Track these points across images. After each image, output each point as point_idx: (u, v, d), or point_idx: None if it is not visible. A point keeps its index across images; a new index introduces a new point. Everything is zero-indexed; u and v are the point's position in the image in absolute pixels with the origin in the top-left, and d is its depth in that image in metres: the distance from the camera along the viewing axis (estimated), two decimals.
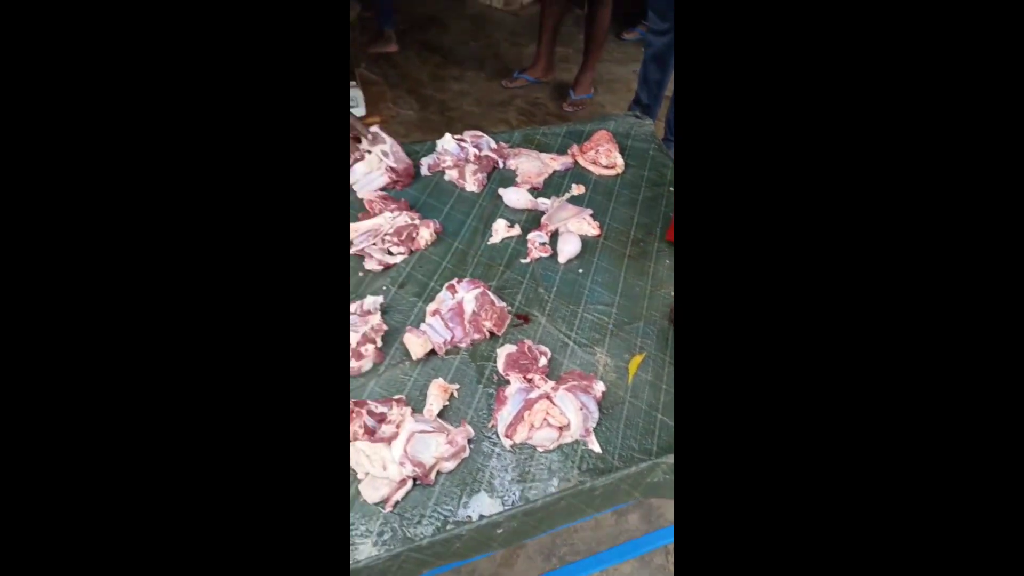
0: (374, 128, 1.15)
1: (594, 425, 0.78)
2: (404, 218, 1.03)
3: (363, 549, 0.65)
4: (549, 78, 2.94)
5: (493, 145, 1.24)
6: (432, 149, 1.23)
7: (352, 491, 0.70)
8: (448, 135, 1.23)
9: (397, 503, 0.69)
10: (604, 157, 1.24)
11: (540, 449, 0.75)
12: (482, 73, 3.03)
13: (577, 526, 1.37)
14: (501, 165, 1.22)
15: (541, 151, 1.27)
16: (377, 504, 0.69)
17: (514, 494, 0.71)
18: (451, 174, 1.18)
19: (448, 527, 0.67)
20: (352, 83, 2.51)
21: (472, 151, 1.21)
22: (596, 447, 0.76)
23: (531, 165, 1.21)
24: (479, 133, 1.25)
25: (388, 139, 1.14)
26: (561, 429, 0.76)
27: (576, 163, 1.25)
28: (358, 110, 2.52)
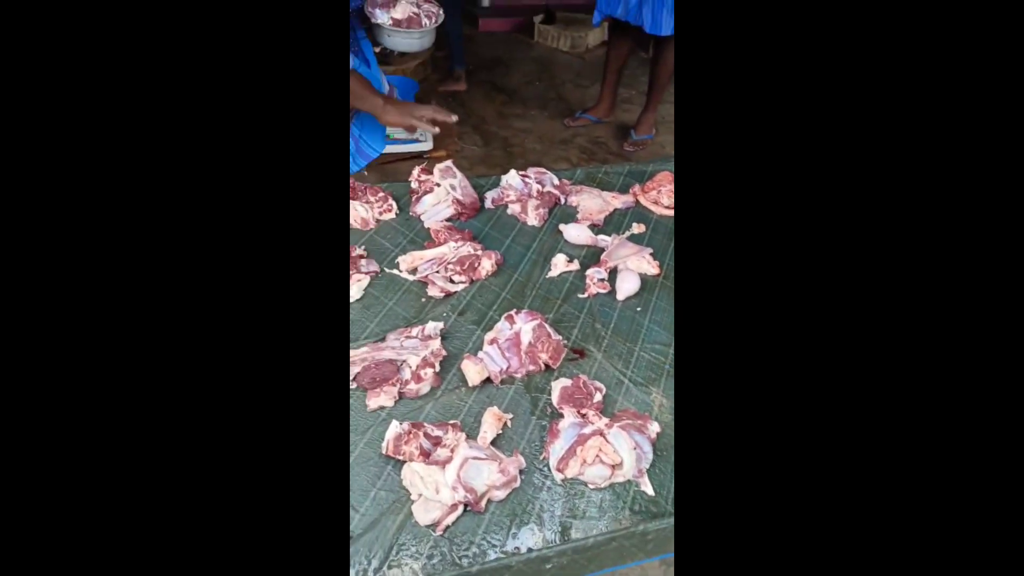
0: (446, 163, 1.21)
1: (647, 466, 0.76)
2: (467, 248, 1.06)
3: (413, 570, 0.66)
4: (611, 118, 2.99)
5: (556, 182, 1.27)
6: (496, 183, 1.28)
7: (404, 512, 0.71)
8: (513, 171, 1.27)
9: (447, 527, 0.70)
10: (666, 197, 1.24)
11: (591, 486, 0.75)
12: (545, 112, 3.11)
13: (624, 571, 1.32)
14: (563, 201, 1.25)
15: (603, 189, 1.29)
16: (428, 527, 0.70)
17: (563, 530, 0.70)
18: (514, 208, 1.22)
19: (497, 556, 0.67)
20: None
21: (535, 187, 1.24)
22: (649, 489, 0.74)
23: (593, 202, 1.23)
24: (543, 170, 1.29)
25: (458, 174, 1.19)
26: (614, 467, 0.75)
27: (637, 202, 1.27)
28: (425, 144, 2.65)
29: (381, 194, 1.19)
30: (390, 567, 0.66)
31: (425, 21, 1.36)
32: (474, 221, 1.19)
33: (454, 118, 1.32)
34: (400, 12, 1.34)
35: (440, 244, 1.08)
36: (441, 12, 1.40)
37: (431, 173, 1.20)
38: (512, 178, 1.26)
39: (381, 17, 1.33)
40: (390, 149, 2.42)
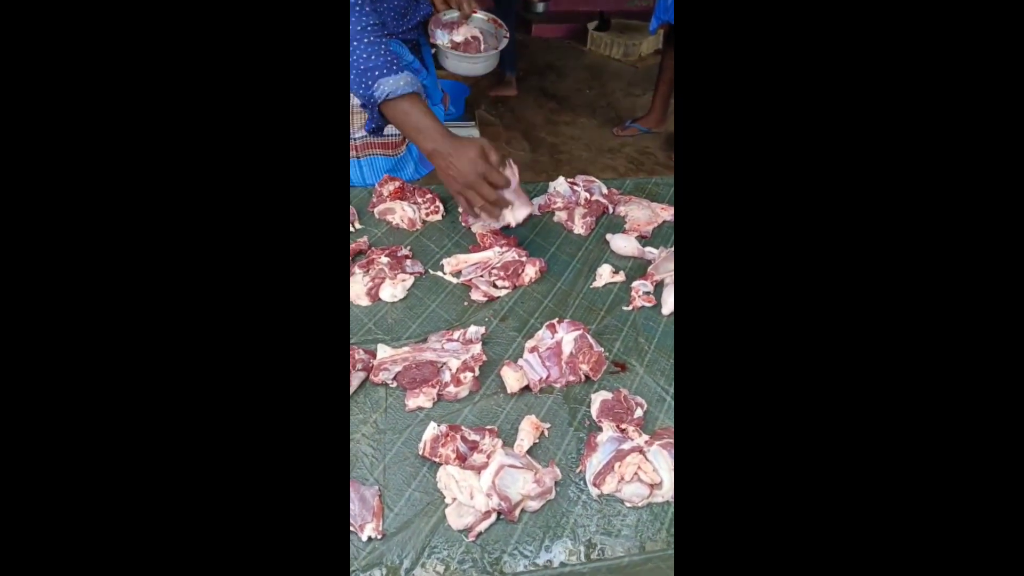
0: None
1: None
2: (512, 254, 1.06)
3: (443, 575, 0.66)
4: (661, 128, 2.94)
5: (604, 190, 1.26)
6: (544, 190, 1.27)
7: (438, 515, 0.71)
8: (561, 178, 1.27)
9: (480, 534, 0.69)
10: None
11: (628, 504, 0.73)
12: (594, 120, 3.10)
13: None
14: (610, 211, 1.24)
15: (652, 200, 1.27)
16: (460, 531, 0.70)
17: (596, 547, 0.69)
18: (560, 216, 1.21)
19: (529, 568, 0.66)
20: (471, 123, 2.68)
21: (583, 195, 1.23)
22: None
23: (641, 213, 1.21)
24: (591, 178, 1.28)
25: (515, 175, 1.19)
26: (652, 487, 0.73)
27: None
28: None
29: (429, 195, 1.20)
30: (422, 568, 0.66)
31: (486, 45, 1.26)
32: (520, 228, 1.18)
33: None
34: (461, 35, 1.25)
35: (485, 248, 1.09)
36: (507, 34, 1.29)
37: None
38: (560, 185, 1.25)
39: (441, 39, 1.23)
40: None
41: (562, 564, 0.67)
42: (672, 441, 0.77)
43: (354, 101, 1.22)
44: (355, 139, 1.27)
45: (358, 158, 1.29)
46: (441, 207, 1.19)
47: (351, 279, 1.02)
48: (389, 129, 1.28)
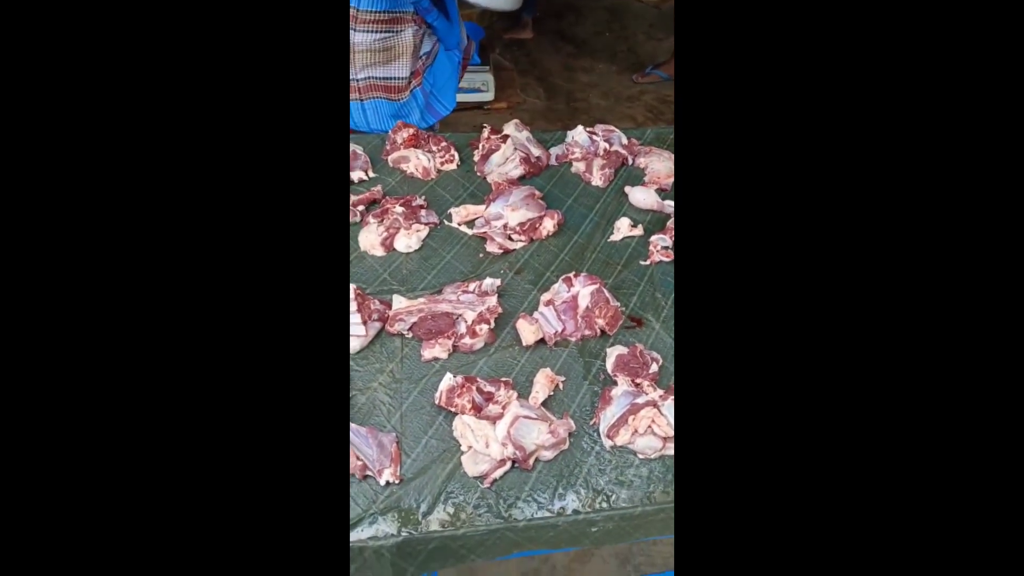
0: (509, 127, 1.17)
1: None
2: (524, 211, 1.04)
3: (459, 518, 0.68)
4: None
5: (624, 141, 1.22)
6: (562, 139, 1.23)
7: (454, 462, 0.73)
8: (580, 127, 1.22)
9: (495, 481, 0.71)
10: None
11: (641, 456, 0.74)
12: (613, 66, 2.98)
13: (659, 539, 1.34)
14: (630, 162, 1.20)
15: (673, 152, 1.23)
16: (476, 478, 0.71)
17: (609, 496, 0.70)
18: (578, 167, 1.18)
19: (543, 515, 0.68)
20: (485, 67, 2.58)
21: (603, 145, 1.19)
22: None
23: (662, 165, 1.17)
24: (611, 128, 1.24)
25: (523, 132, 1.16)
26: (665, 440, 0.74)
27: None
28: (487, 95, 2.59)
29: (444, 144, 1.17)
30: (438, 512, 0.68)
31: None
32: (536, 178, 1.16)
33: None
34: None
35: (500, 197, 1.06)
36: None
37: (499, 133, 1.17)
38: (579, 135, 1.21)
39: None
40: None
41: (575, 512, 0.69)
42: None
43: (354, 40, 1.18)
44: (357, 80, 1.23)
45: (360, 100, 1.26)
46: (456, 156, 1.17)
47: (364, 229, 1.00)
48: (391, 71, 1.24)
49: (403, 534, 0.67)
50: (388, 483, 0.70)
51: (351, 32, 1.17)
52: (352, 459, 0.70)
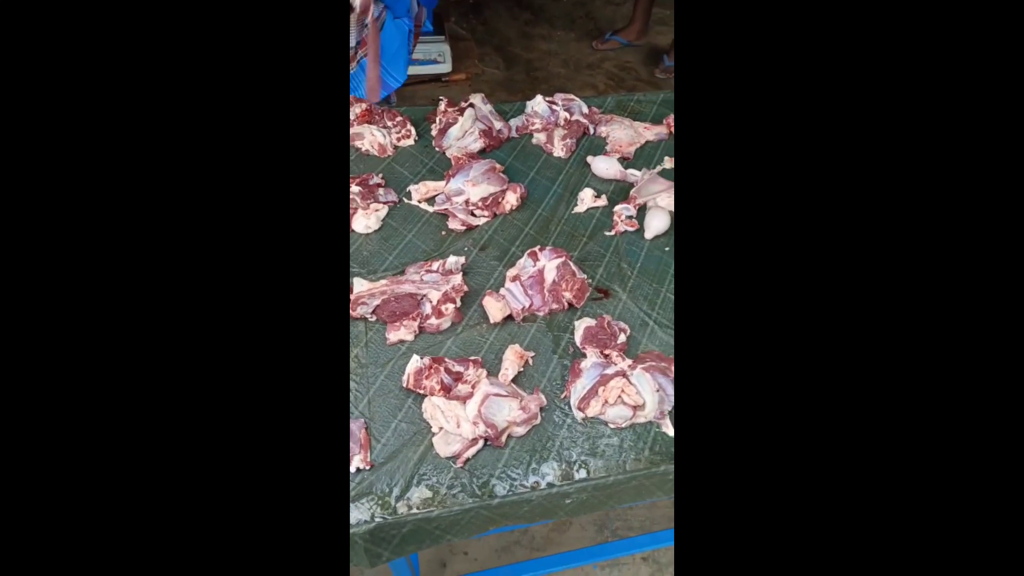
0: (476, 98, 1.13)
1: (670, 408, 0.76)
2: (485, 186, 1.01)
3: (434, 500, 0.67)
4: (642, 41, 2.79)
5: (585, 110, 1.20)
6: (521, 110, 1.20)
7: (425, 444, 0.72)
8: (539, 97, 1.20)
9: (468, 460, 0.71)
10: None
11: (612, 426, 0.75)
12: (572, 33, 2.92)
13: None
14: (591, 132, 1.18)
15: (634, 119, 1.21)
16: (448, 459, 0.71)
17: (582, 467, 0.71)
18: (539, 137, 1.15)
19: (517, 490, 0.68)
20: (440, 37, 2.50)
21: (563, 115, 1.17)
22: (671, 431, 0.74)
23: (623, 133, 1.16)
24: (571, 96, 1.21)
25: (486, 104, 1.12)
26: (635, 408, 0.74)
27: (671, 134, 1.19)
28: (444, 66, 2.51)
29: (399, 119, 1.13)
30: (411, 494, 0.67)
31: None
32: (497, 151, 1.13)
33: None
34: None
35: (461, 172, 1.04)
36: None
37: (456, 106, 1.13)
38: (538, 104, 1.19)
39: None
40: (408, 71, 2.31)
41: (549, 485, 0.69)
42: (655, 364, 0.78)
43: None
44: None
45: None
46: (413, 131, 1.13)
47: None
48: None
49: (376, 520, 0.66)
50: (359, 469, 0.69)
51: None
52: None
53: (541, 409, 0.75)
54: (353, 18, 1.18)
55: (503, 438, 0.72)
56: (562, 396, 0.77)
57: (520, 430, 0.73)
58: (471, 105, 1.11)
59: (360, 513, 0.66)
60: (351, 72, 1.24)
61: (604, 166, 1.09)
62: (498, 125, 1.14)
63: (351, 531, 0.65)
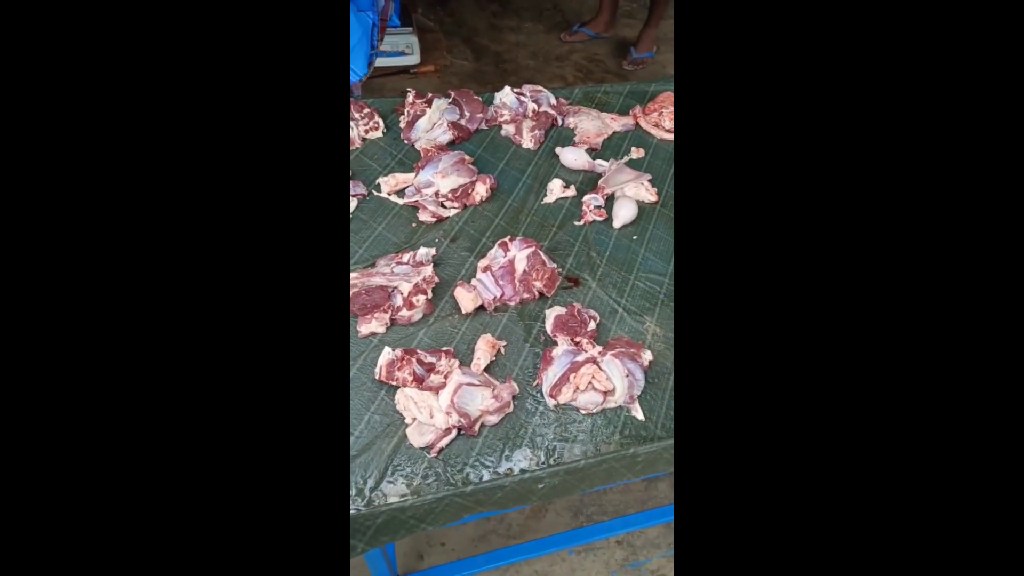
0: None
1: (639, 393, 0.77)
2: (455, 177, 1.01)
3: (407, 489, 0.68)
4: (610, 33, 2.82)
5: (552, 101, 1.21)
6: (490, 101, 1.20)
7: (399, 435, 0.72)
8: (507, 88, 1.20)
9: (441, 450, 0.71)
10: (667, 120, 1.19)
11: (583, 411, 0.76)
12: (540, 25, 2.92)
13: (607, 488, 1.40)
14: (560, 123, 1.19)
15: (602, 110, 1.23)
16: (422, 449, 0.71)
17: (554, 453, 0.72)
18: (508, 129, 1.16)
19: (490, 477, 0.69)
20: (408, 29, 2.47)
21: (531, 106, 1.18)
22: (639, 415, 0.76)
23: (591, 124, 1.17)
24: (539, 88, 1.22)
25: (462, 99, 1.12)
26: (606, 394, 0.76)
27: (637, 125, 1.21)
28: (412, 58, 2.49)
29: (367, 111, 1.12)
30: (386, 485, 0.68)
31: None
32: (466, 143, 1.13)
33: None
34: None
35: (430, 163, 1.03)
36: None
37: (424, 97, 1.12)
38: (507, 96, 1.19)
39: None
40: (376, 63, 2.27)
41: (522, 471, 0.70)
42: (624, 350, 0.79)
43: None
44: None
45: None
46: (381, 123, 1.12)
47: None
48: None
49: (350, 511, 0.66)
50: None
51: None
52: None
53: (513, 397, 0.76)
54: None
55: (476, 427, 0.73)
56: (534, 384, 0.78)
57: (493, 419, 0.74)
58: (431, 100, 1.11)
59: None
60: None
61: (572, 157, 1.10)
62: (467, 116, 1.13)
63: None
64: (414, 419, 0.73)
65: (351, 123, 1.09)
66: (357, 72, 1.33)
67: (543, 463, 0.71)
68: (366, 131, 1.11)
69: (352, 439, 0.71)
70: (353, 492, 0.67)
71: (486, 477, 0.69)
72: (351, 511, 0.66)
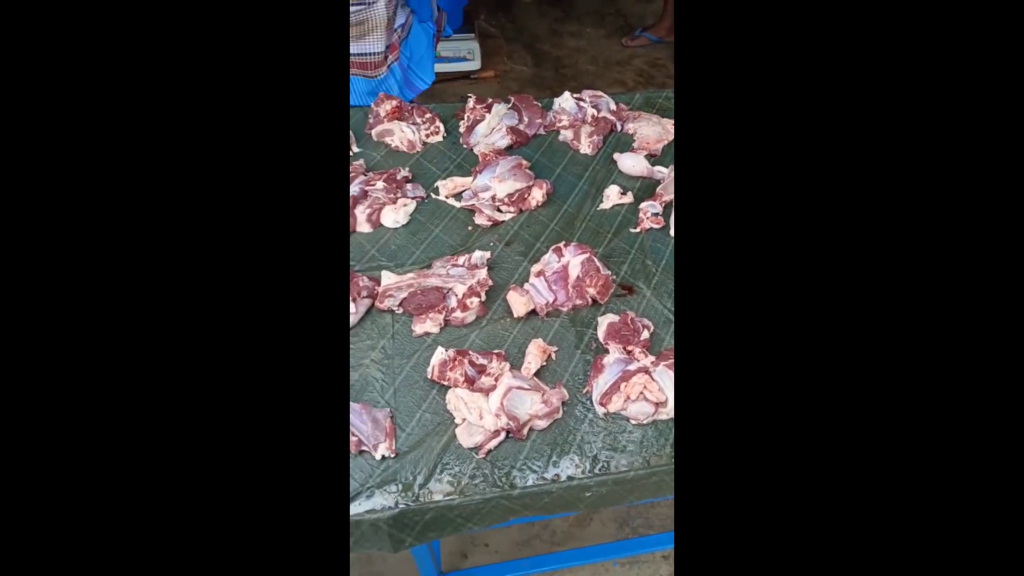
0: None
1: None
2: (511, 182, 1.02)
3: (455, 488, 0.69)
4: (672, 38, 2.76)
5: (612, 107, 1.20)
6: (549, 107, 1.21)
7: (448, 434, 0.73)
8: (567, 93, 1.20)
9: (490, 451, 0.72)
10: None
11: (633, 422, 0.75)
12: (602, 30, 2.91)
13: (655, 501, 1.37)
14: (619, 128, 1.18)
15: (662, 116, 1.21)
16: (471, 449, 0.72)
17: (602, 461, 0.71)
18: (566, 134, 1.16)
19: (537, 482, 0.69)
20: (469, 35, 2.51)
21: (590, 112, 1.17)
22: None
23: (651, 130, 1.15)
24: (599, 93, 1.21)
25: (522, 104, 1.13)
26: (657, 405, 0.74)
27: None
28: (473, 63, 2.53)
29: (428, 115, 1.14)
30: (434, 483, 0.69)
31: None
32: (524, 148, 1.14)
33: None
34: None
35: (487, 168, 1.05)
36: None
37: (484, 102, 1.14)
38: (565, 101, 1.19)
39: None
40: (437, 69, 2.33)
41: (569, 478, 0.70)
42: None
43: None
44: None
45: None
46: (442, 127, 1.14)
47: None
48: (365, 46, 1.20)
49: (400, 506, 0.67)
50: (384, 457, 0.71)
51: None
52: None
53: (563, 403, 0.76)
54: (383, 25, 1.20)
55: (525, 431, 0.73)
56: (584, 391, 0.78)
57: (542, 423, 0.74)
58: (491, 105, 1.12)
59: (384, 499, 0.68)
60: (381, 77, 1.27)
61: (631, 163, 1.09)
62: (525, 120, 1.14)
63: (376, 516, 0.67)
64: (464, 419, 0.74)
65: (412, 127, 1.12)
66: (426, 81, 1.37)
67: (589, 472, 0.70)
68: (427, 135, 1.14)
69: (404, 436, 0.73)
70: (402, 487, 0.69)
71: (532, 481, 0.69)
72: (401, 506, 0.67)
